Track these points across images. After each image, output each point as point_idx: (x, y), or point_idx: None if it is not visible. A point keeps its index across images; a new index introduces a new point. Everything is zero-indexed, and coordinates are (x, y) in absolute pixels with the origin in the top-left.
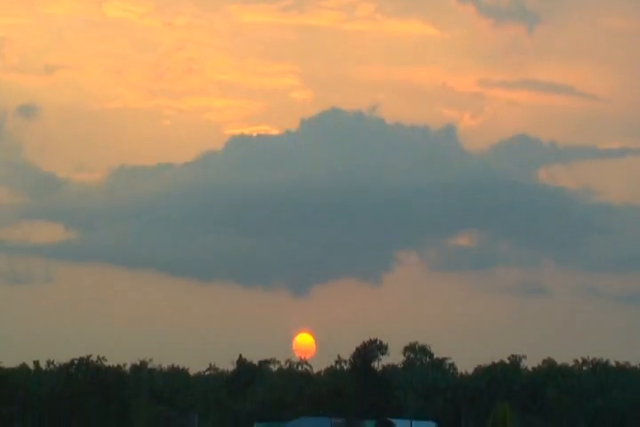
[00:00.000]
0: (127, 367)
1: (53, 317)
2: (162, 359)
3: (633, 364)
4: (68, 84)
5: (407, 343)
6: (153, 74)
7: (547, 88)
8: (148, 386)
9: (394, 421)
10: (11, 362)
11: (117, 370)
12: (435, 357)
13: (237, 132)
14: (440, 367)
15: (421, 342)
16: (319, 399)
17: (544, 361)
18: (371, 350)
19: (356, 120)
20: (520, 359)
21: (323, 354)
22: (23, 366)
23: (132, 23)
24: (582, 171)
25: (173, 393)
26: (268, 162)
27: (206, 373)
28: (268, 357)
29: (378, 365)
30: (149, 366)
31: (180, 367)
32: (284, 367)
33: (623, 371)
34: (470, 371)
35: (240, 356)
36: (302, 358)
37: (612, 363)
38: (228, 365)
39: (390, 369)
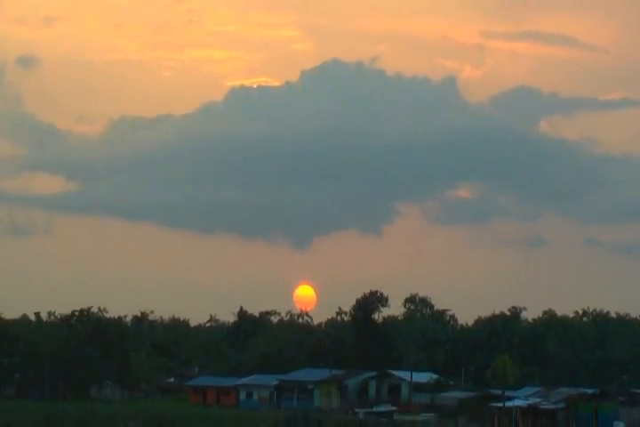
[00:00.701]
0: (128, 319)
1: (54, 268)
2: (162, 311)
3: (633, 315)
4: (68, 36)
5: (407, 295)
6: (153, 25)
7: (548, 39)
8: (149, 338)
9: (394, 372)
10: (11, 313)
11: (118, 322)
12: (435, 308)
13: (237, 83)
14: (440, 319)
15: (422, 293)
16: (320, 351)
17: (544, 313)
18: (371, 301)
19: (356, 71)
20: (520, 311)
21: (323, 306)
22: (24, 318)
23: None
24: (583, 122)
25: (174, 345)
26: (269, 113)
27: (207, 324)
28: (268, 308)
29: (378, 316)
30: (150, 317)
31: (181, 319)
32: (285, 319)
33: (623, 322)
34: (470, 323)
35: (241, 308)
36: (303, 309)
37: (613, 314)
38: (228, 316)
39: (391, 321)
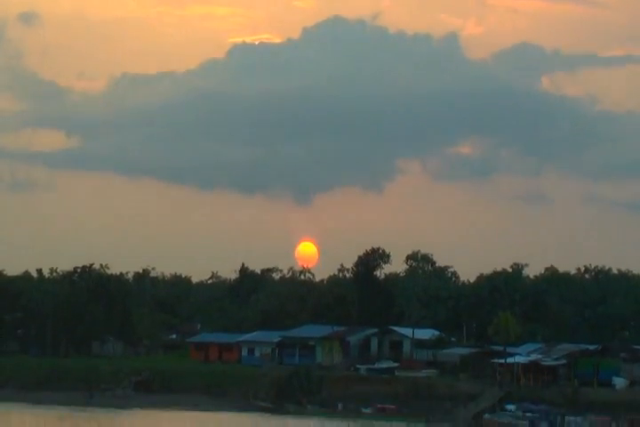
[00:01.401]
0: (130, 276)
1: (55, 225)
2: (164, 268)
3: (635, 271)
4: None
5: (409, 252)
6: None
7: None
8: (151, 294)
9: (396, 329)
10: (13, 270)
11: (120, 278)
12: (437, 265)
13: (239, 40)
14: (442, 276)
15: (423, 250)
16: (321, 308)
17: (546, 269)
18: (373, 258)
19: (358, 28)
20: (522, 268)
21: (325, 263)
22: (26, 274)
23: None
24: (585, 79)
25: (176, 301)
26: (270, 70)
27: (208, 281)
28: (270, 265)
29: (380, 273)
30: (152, 274)
31: (183, 276)
32: (287, 276)
33: (625, 279)
34: (472, 279)
35: (242, 264)
36: (304, 266)
37: (614, 271)
38: (230, 273)
39: (392, 278)
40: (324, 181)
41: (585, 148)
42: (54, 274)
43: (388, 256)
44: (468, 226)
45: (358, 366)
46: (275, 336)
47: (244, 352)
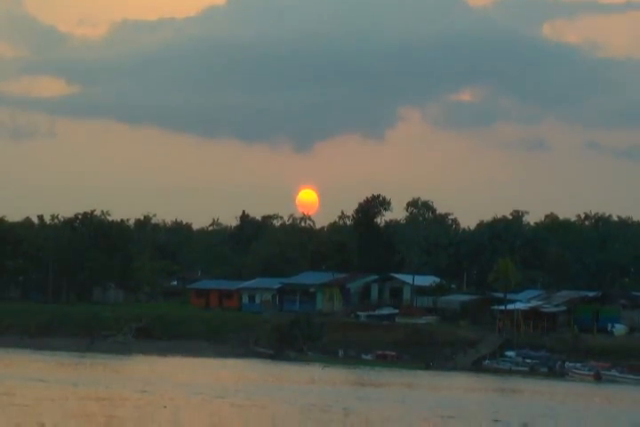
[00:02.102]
0: (131, 222)
1: (56, 171)
2: (165, 215)
3: (635, 218)
4: None
5: (410, 199)
6: None
7: None
8: (152, 241)
9: (396, 275)
10: (14, 216)
11: (121, 225)
12: (437, 212)
13: None
14: (442, 223)
15: (424, 197)
16: (322, 254)
17: (546, 216)
18: (373, 205)
19: None
20: (522, 215)
21: (325, 210)
22: (27, 221)
23: None
24: (586, 25)
25: (176, 248)
26: (270, 16)
27: (209, 228)
28: (270, 212)
29: (380, 220)
30: (153, 221)
31: (184, 223)
32: (287, 223)
33: (625, 225)
34: (472, 226)
35: (243, 211)
36: (305, 213)
37: (614, 217)
38: (231, 220)
39: (393, 225)
40: (324, 128)
41: (586, 95)
42: (55, 220)
43: (389, 203)
44: (468, 173)
45: (359, 312)
46: (275, 283)
47: (245, 299)
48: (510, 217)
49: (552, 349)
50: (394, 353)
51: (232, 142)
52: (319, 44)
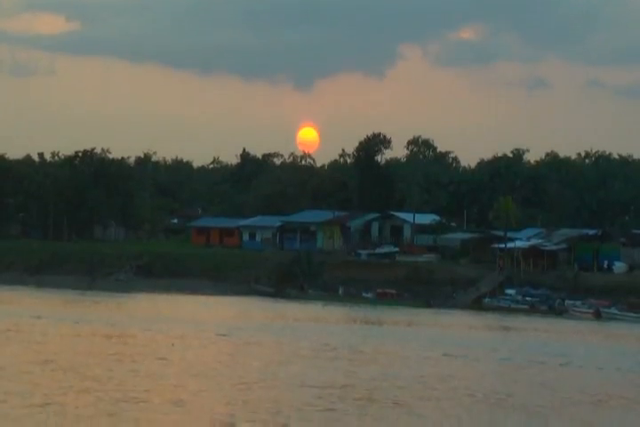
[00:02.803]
0: (131, 160)
1: (57, 109)
2: (165, 152)
3: (635, 156)
4: None
5: (410, 137)
6: None
7: None
8: (152, 179)
9: (397, 214)
10: (15, 154)
11: (121, 163)
12: (438, 150)
13: None
14: (443, 161)
15: (424, 135)
16: (322, 193)
17: (547, 154)
18: (374, 143)
19: None
20: (523, 153)
21: (326, 148)
22: (27, 158)
23: None
24: None
25: (177, 186)
26: None
27: (210, 166)
28: (271, 150)
29: (381, 158)
30: (153, 159)
31: (184, 160)
32: (288, 161)
33: (625, 163)
34: (473, 165)
35: (243, 149)
36: (306, 151)
37: (615, 155)
38: (231, 158)
39: (393, 163)
40: (325, 66)
41: (587, 33)
42: (56, 158)
43: (389, 141)
44: (469, 111)
45: (359, 251)
46: (276, 221)
47: (246, 237)
48: (511, 155)
49: (552, 287)
50: (394, 291)
51: (233, 80)
52: None
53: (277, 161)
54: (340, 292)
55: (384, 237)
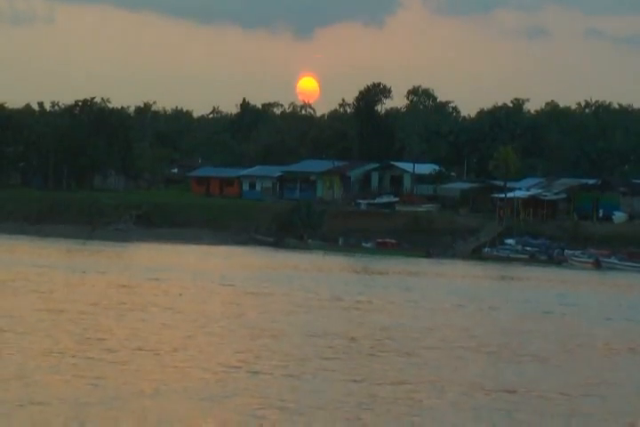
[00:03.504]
0: (131, 110)
1: (56, 58)
2: (165, 102)
3: (635, 106)
4: None
5: (410, 87)
6: None
7: None
8: (152, 128)
9: (396, 164)
10: (14, 103)
11: (121, 112)
12: (438, 100)
13: None
14: (443, 111)
15: (424, 85)
16: (322, 143)
17: (547, 104)
18: (374, 93)
19: None
20: (523, 103)
21: (326, 98)
22: (27, 108)
23: None
24: None
25: (177, 135)
26: None
27: (210, 115)
28: (271, 100)
29: (381, 108)
30: (153, 108)
31: (184, 110)
32: (288, 111)
33: (625, 113)
34: (473, 114)
35: (243, 99)
36: (305, 101)
37: (615, 105)
38: (231, 108)
39: (393, 113)
40: (324, 15)
41: None
42: (56, 107)
43: (389, 91)
44: (469, 61)
45: (359, 200)
46: (276, 171)
47: (246, 187)
48: (511, 105)
49: (552, 236)
50: (394, 241)
51: (232, 29)
52: None
53: (277, 111)
54: (340, 242)
55: (384, 187)
